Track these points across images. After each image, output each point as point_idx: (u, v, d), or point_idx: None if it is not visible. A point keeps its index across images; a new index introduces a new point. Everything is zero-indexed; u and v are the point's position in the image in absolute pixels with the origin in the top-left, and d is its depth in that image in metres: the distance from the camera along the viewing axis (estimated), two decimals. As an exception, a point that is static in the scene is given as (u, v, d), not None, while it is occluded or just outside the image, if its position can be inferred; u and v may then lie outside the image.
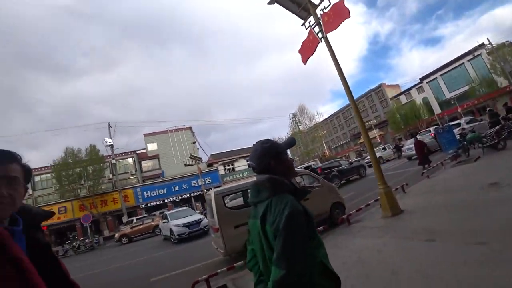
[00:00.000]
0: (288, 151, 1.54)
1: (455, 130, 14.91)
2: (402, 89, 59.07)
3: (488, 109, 14.58)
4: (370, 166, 22.54)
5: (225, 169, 39.06)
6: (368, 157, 24.18)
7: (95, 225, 29.48)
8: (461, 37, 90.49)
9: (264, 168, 1.37)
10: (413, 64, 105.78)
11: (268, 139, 1.47)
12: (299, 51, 8.82)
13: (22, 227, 1.01)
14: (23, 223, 1.03)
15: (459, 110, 41.17)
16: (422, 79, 51.72)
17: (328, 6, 7.51)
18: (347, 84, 6.83)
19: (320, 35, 7.82)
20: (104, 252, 17.74)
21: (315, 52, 8.11)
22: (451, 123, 18.05)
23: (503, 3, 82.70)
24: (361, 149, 53.20)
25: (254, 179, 1.68)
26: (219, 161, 39.34)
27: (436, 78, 49.11)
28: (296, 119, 43.24)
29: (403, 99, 55.64)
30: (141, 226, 20.16)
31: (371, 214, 6.76)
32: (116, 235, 20.81)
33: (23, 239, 1.01)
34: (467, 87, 42.66)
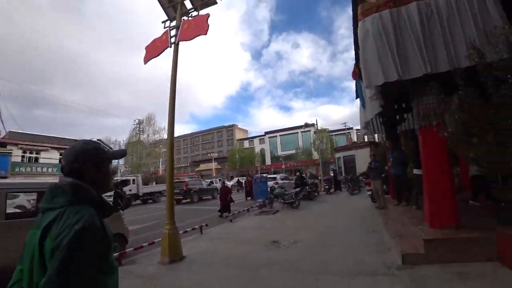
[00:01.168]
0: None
1: (271, 183, 16.75)
2: (249, 136, 66.55)
3: (297, 173, 17.33)
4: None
5: (24, 156, 29.57)
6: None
7: None
8: (304, 113, 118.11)
9: (74, 170, 1.12)
10: (265, 119, 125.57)
11: (95, 141, 1.27)
12: (146, 48, 7.87)
13: None
14: None
15: (283, 166, 49.90)
16: (266, 133, 60.69)
17: (194, 15, 7.31)
18: (174, 103, 5.98)
19: (173, 40, 7.13)
20: None
21: (158, 56, 7.23)
22: (269, 176, 20.68)
23: (337, 103, 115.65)
24: (196, 176, 54.09)
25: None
26: (20, 144, 29.57)
27: (276, 136, 59.04)
28: (141, 126, 39.52)
29: (246, 144, 62.56)
30: None
31: (151, 256, 5.61)
32: None
33: None
34: (294, 151, 53.17)
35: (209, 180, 27.97)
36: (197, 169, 62.75)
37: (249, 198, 17.17)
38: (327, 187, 18.17)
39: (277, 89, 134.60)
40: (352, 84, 10.12)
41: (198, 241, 6.81)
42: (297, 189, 12.83)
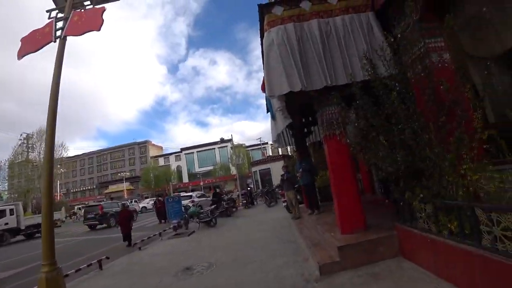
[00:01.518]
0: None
1: (187, 201, 15.73)
2: (164, 152, 62.76)
3: (214, 190, 16.81)
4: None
5: None
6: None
7: None
8: (221, 129, 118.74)
9: None
10: (182, 134, 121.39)
11: None
12: (23, 39, 6.25)
13: None
14: None
15: (201, 183, 48.28)
16: (182, 149, 58.30)
17: (88, 8, 6.25)
18: (55, 110, 4.83)
19: (58, 33, 5.92)
20: None
21: (38, 51, 5.88)
22: (184, 194, 19.54)
23: (252, 119, 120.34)
24: (105, 199, 47.71)
25: None
26: None
27: (193, 152, 57.31)
28: (30, 142, 32.86)
29: (162, 161, 58.81)
30: None
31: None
32: None
33: None
34: (211, 167, 52.24)
35: (126, 202, 25.20)
36: (105, 191, 55.57)
37: (163, 221, 15.26)
38: (245, 201, 18.13)
39: (194, 104, 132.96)
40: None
41: (95, 280, 5.62)
42: (213, 206, 12.30)
